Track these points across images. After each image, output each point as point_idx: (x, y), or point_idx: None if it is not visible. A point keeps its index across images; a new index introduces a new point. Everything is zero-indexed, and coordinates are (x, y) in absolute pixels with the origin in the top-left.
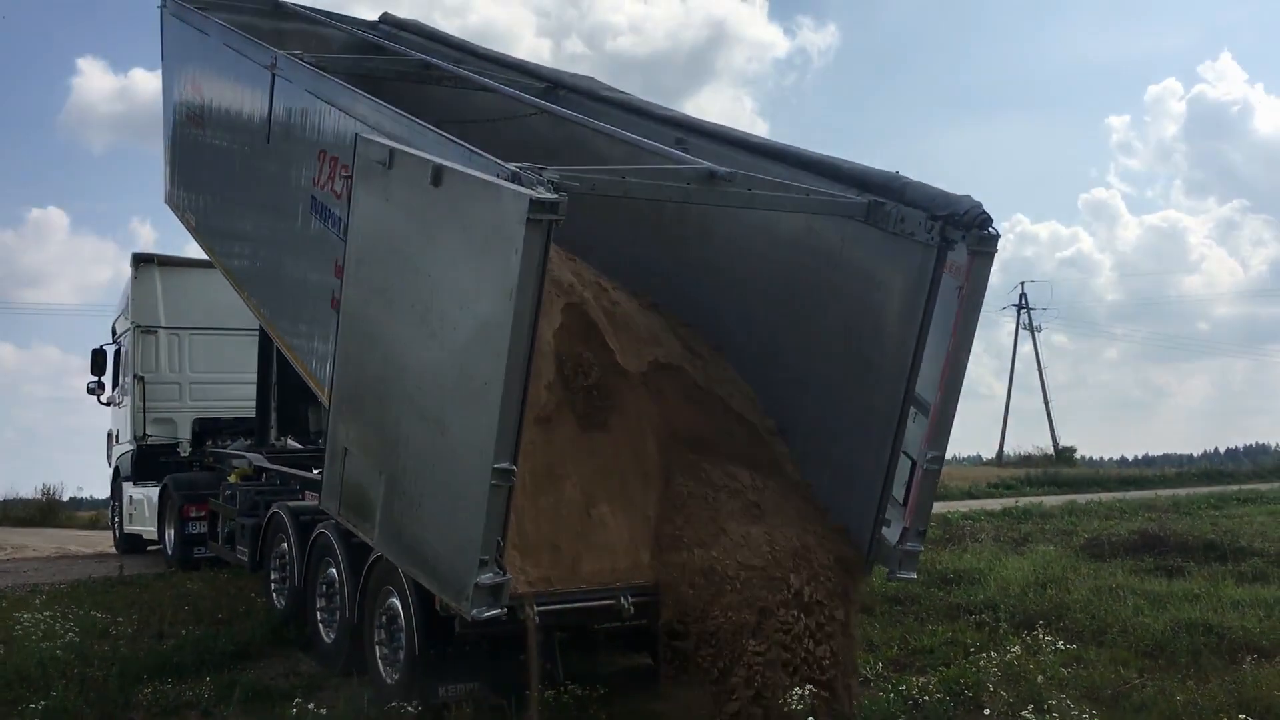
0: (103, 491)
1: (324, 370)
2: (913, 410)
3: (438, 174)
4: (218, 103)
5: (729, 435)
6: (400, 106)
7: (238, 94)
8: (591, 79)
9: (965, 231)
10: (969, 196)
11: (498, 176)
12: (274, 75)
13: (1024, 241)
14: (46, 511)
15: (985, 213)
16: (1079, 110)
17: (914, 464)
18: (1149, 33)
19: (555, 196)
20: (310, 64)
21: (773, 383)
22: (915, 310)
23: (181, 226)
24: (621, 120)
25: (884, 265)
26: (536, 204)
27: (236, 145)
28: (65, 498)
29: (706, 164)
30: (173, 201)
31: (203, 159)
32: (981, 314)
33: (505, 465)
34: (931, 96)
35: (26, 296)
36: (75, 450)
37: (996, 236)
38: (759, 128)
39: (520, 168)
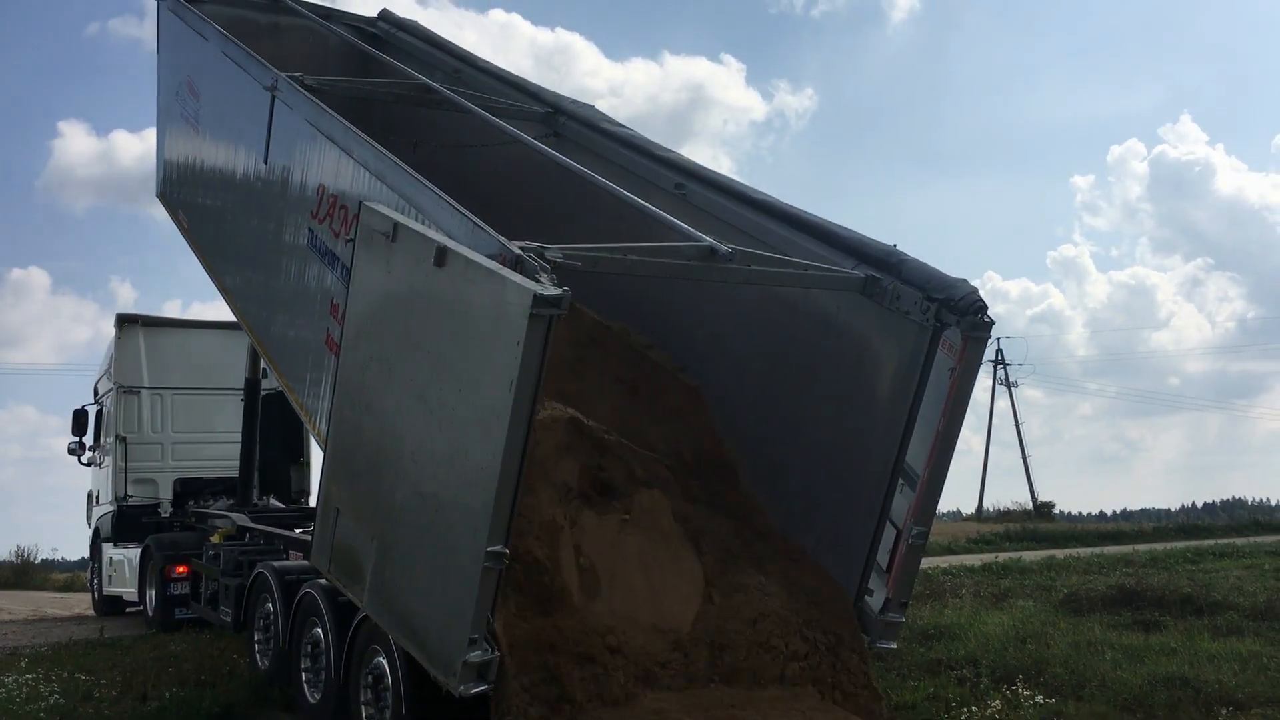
0: (77, 553)
1: (314, 403)
2: (901, 482)
3: (441, 255)
4: (213, 111)
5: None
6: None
7: (235, 107)
8: (592, 107)
9: (960, 317)
10: (965, 281)
11: (501, 259)
12: (274, 98)
13: (996, 298)
14: (20, 573)
15: (981, 300)
16: (1045, 170)
17: (899, 533)
18: (1111, 94)
19: (559, 292)
20: (311, 86)
21: (761, 440)
22: (908, 384)
23: (173, 271)
24: (621, 156)
25: (878, 337)
26: (540, 300)
27: (233, 157)
28: (39, 559)
29: (707, 240)
30: (165, 197)
31: (197, 162)
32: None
33: (498, 549)
34: (905, 157)
35: (5, 356)
36: (50, 511)
37: (991, 324)
38: None
39: (523, 249)
